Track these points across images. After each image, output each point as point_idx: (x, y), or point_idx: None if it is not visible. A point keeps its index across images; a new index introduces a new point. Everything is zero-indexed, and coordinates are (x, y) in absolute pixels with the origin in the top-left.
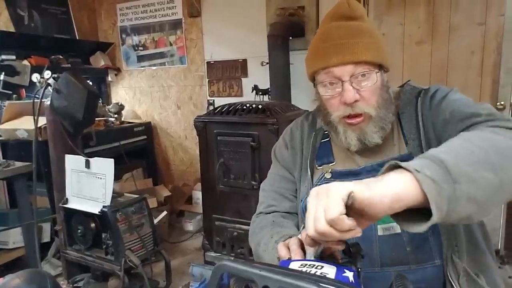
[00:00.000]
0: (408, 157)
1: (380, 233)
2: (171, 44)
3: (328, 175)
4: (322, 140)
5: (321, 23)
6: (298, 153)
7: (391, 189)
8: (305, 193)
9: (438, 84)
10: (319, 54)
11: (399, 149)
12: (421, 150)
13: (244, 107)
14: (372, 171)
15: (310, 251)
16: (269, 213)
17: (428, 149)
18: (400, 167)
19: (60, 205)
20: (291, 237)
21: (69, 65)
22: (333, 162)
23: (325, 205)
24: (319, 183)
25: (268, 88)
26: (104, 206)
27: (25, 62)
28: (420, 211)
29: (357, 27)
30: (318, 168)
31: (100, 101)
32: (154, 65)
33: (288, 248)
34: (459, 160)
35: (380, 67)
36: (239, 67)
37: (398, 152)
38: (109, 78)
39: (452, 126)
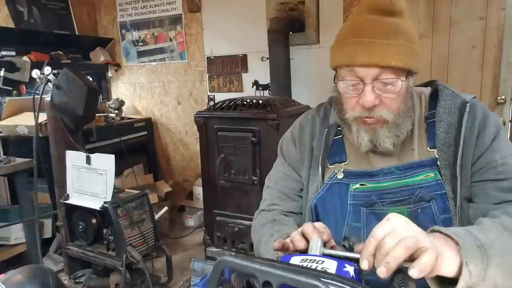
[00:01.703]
0: (428, 163)
1: None
2: (171, 40)
3: (340, 175)
4: (335, 137)
5: (355, 12)
6: (307, 150)
7: (446, 267)
8: (314, 193)
9: (476, 99)
10: (346, 49)
11: (418, 154)
12: (453, 167)
13: (245, 103)
14: (389, 174)
15: (314, 246)
16: (271, 211)
17: (460, 169)
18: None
19: (61, 201)
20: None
21: (69, 61)
22: (346, 161)
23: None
24: (330, 182)
25: (269, 83)
26: (105, 202)
27: (25, 58)
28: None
29: (393, 26)
30: (330, 166)
31: (101, 97)
32: (154, 60)
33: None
34: (499, 267)
35: (409, 72)
36: (239, 62)
37: (418, 158)
38: (109, 74)
39: (499, 182)
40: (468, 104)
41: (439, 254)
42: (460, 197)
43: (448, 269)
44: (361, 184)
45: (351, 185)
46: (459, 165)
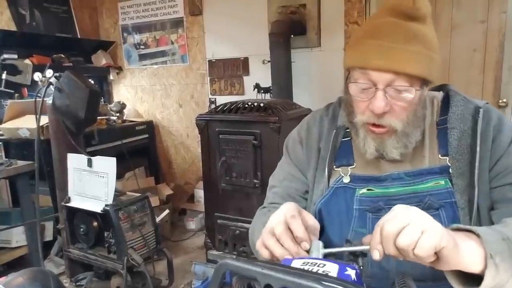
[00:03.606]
0: (439, 170)
1: None
2: (172, 43)
3: (346, 179)
4: (343, 139)
5: (376, 13)
6: (314, 152)
7: (466, 258)
8: (319, 196)
9: (489, 104)
10: (361, 50)
11: (429, 161)
12: (470, 176)
13: (246, 106)
14: (398, 179)
15: (315, 249)
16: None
17: (478, 178)
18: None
19: (63, 203)
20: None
21: (71, 64)
22: (353, 165)
23: (417, 238)
24: (336, 186)
25: (270, 87)
26: (106, 205)
27: (27, 61)
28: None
29: (414, 31)
30: (336, 169)
31: (102, 100)
32: (156, 63)
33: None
34: None
35: (424, 81)
36: (241, 65)
37: (428, 165)
38: (111, 77)
39: None
40: (481, 110)
41: (455, 245)
42: (477, 207)
43: (470, 261)
44: (368, 189)
45: (357, 189)
46: (477, 174)
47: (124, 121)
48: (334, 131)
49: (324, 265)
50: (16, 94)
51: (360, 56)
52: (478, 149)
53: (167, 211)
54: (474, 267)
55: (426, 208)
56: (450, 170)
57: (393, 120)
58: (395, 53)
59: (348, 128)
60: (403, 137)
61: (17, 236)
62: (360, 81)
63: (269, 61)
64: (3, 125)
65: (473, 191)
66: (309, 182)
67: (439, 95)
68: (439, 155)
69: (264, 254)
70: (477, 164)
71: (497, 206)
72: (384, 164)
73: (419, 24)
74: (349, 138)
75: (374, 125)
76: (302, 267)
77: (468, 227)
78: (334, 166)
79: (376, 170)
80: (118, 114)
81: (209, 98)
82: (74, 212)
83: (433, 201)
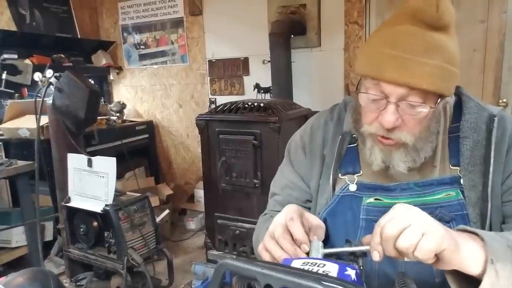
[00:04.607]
0: (449, 181)
1: None
2: (172, 43)
3: (352, 187)
4: (349, 145)
5: (394, 18)
6: (318, 159)
7: (466, 260)
8: (324, 205)
9: (504, 111)
10: (375, 59)
11: (439, 171)
12: (483, 190)
13: (246, 106)
14: (408, 190)
15: (315, 249)
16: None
17: (491, 192)
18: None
19: (63, 203)
20: None
21: (71, 64)
22: (359, 172)
23: (417, 241)
24: (342, 194)
25: (270, 86)
26: (106, 205)
27: (27, 61)
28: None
29: (434, 43)
30: (341, 177)
31: (102, 100)
32: (156, 63)
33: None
34: None
35: (440, 96)
36: (241, 65)
37: (438, 175)
38: (111, 77)
39: None
40: (495, 119)
41: (456, 247)
42: (490, 222)
43: (469, 263)
44: (376, 199)
45: (364, 198)
46: (491, 187)
47: (124, 121)
48: (340, 137)
49: (324, 265)
50: (16, 94)
51: (373, 65)
52: (492, 161)
53: (167, 211)
54: (472, 269)
55: (437, 220)
56: (462, 182)
57: (404, 134)
58: (412, 66)
59: (354, 134)
60: (412, 151)
61: (17, 236)
62: (371, 92)
63: (269, 61)
64: (3, 125)
65: (485, 205)
66: (312, 192)
67: (451, 99)
68: (450, 165)
69: (265, 257)
70: (490, 176)
71: (508, 221)
72: (393, 173)
73: (441, 34)
74: (355, 144)
75: (382, 136)
76: (302, 267)
77: (474, 229)
78: (340, 174)
79: (384, 178)
80: (118, 114)
81: (209, 98)
82: (74, 212)
83: (444, 213)
